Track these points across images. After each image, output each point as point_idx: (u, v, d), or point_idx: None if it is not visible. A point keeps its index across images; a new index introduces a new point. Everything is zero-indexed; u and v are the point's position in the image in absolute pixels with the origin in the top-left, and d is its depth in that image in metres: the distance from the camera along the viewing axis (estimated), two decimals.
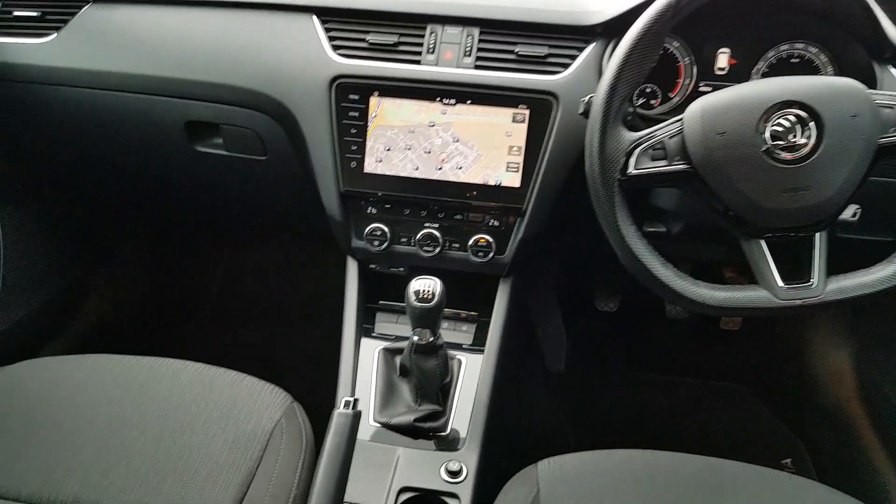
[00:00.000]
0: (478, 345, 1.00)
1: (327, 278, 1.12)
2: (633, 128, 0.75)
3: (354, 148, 0.97)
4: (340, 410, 0.75)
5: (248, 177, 1.14)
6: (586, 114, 0.77)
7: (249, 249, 1.54)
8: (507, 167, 0.95)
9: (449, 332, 1.02)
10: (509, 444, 0.93)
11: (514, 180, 0.95)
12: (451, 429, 0.91)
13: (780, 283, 0.71)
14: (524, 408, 1.26)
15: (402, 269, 1.05)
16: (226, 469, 0.80)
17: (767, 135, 0.69)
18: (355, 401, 0.76)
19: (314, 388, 0.96)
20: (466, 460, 0.85)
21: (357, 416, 0.76)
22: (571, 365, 1.46)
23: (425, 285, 0.83)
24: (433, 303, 0.83)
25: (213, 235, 1.53)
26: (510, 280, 1.02)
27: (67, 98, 1.09)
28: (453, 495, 0.82)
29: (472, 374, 0.96)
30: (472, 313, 1.04)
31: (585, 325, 1.49)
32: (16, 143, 1.21)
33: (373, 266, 1.06)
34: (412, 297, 0.83)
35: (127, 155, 1.19)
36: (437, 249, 0.99)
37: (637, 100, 0.94)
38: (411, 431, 0.89)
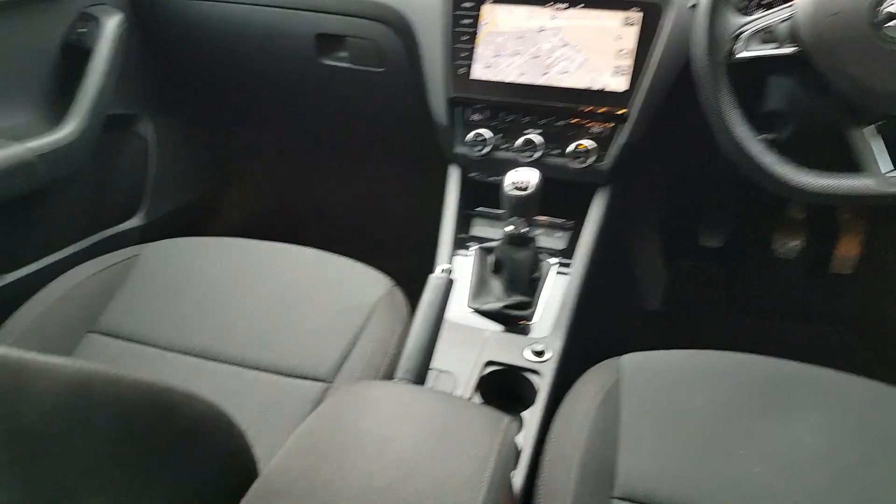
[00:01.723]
0: (570, 254, 1.03)
1: (430, 193, 1.18)
2: (744, 13, 0.74)
3: (464, 55, 1.02)
4: (436, 274, 0.80)
5: (366, 90, 1.22)
6: (696, 6, 0.78)
7: (362, 165, 1.63)
8: (614, 71, 0.96)
9: (543, 238, 1.05)
10: (593, 350, 0.95)
11: (619, 84, 0.96)
12: (537, 321, 0.94)
13: (885, 169, 0.68)
14: (612, 338, 1.27)
15: (500, 178, 1.10)
16: (331, 335, 0.88)
17: (882, 15, 0.67)
18: (450, 270, 0.81)
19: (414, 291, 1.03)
20: (550, 344, 0.89)
21: (450, 282, 0.82)
22: (668, 303, 1.44)
23: (522, 174, 0.87)
24: (528, 192, 0.86)
25: (332, 152, 1.63)
26: (608, 190, 1.03)
27: (217, 13, 1.21)
28: (535, 372, 0.86)
29: (561, 281, 0.99)
30: (568, 221, 1.06)
31: (686, 262, 1.46)
32: (170, 58, 1.35)
33: (473, 175, 1.10)
34: (509, 186, 0.87)
35: (262, 70, 1.29)
36: (537, 155, 1.02)
37: None
38: (500, 317, 0.94)
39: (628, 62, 0.95)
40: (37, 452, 0.37)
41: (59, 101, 1.13)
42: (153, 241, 1.04)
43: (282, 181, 1.71)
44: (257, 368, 0.84)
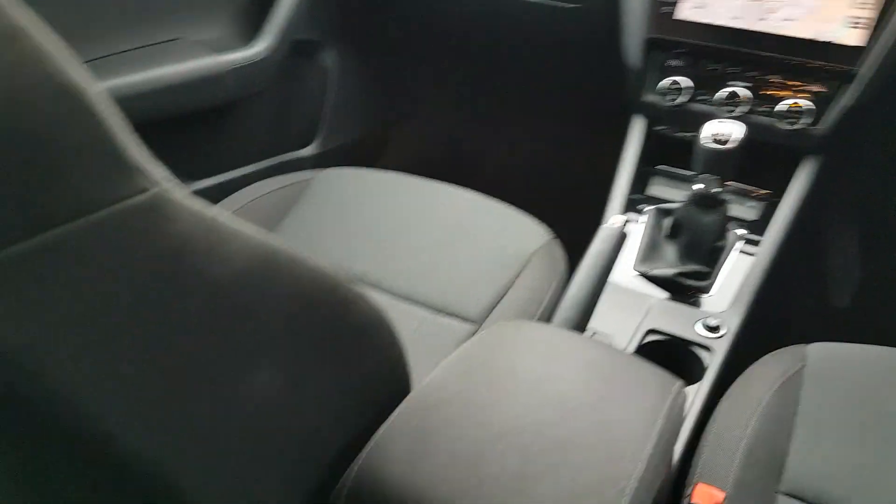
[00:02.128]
0: (761, 227, 0.91)
1: (605, 149, 1.11)
2: None
3: None
4: (608, 224, 0.74)
5: (555, 29, 1.16)
6: None
7: (536, 114, 1.58)
8: (849, 22, 0.82)
9: (733, 206, 0.94)
10: (765, 336, 0.85)
11: (853, 37, 0.82)
12: (712, 294, 0.85)
13: None
14: (789, 328, 1.13)
15: (690, 134, 1.00)
16: (485, 279, 0.85)
17: None
18: (625, 222, 0.74)
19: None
20: (727, 321, 0.80)
21: (623, 235, 0.75)
22: (860, 304, 1.27)
23: (724, 126, 0.77)
24: (728, 146, 0.76)
25: (507, 97, 1.59)
26: (818, 160, 0.90)
27: None
28: (705, 347, 0.78)
29: (745, 255, 0.89)
30: (764, 191, 0.95)
31: (888, 258, 1.27)
32: None
33: (659, 128, 1.01)
34: (706, 138, 0.78)
35: (450, 6, 1.26)
36: (741, 110, 0.91)
37: None
38: (669, 285, 0.86)
39: (869, 13, 0.81)
40: (225, 307, 0.36)
41: (253, 21, 1.17)
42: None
43: (453, 123, 1.70)
44: (409, 300, 0.84)
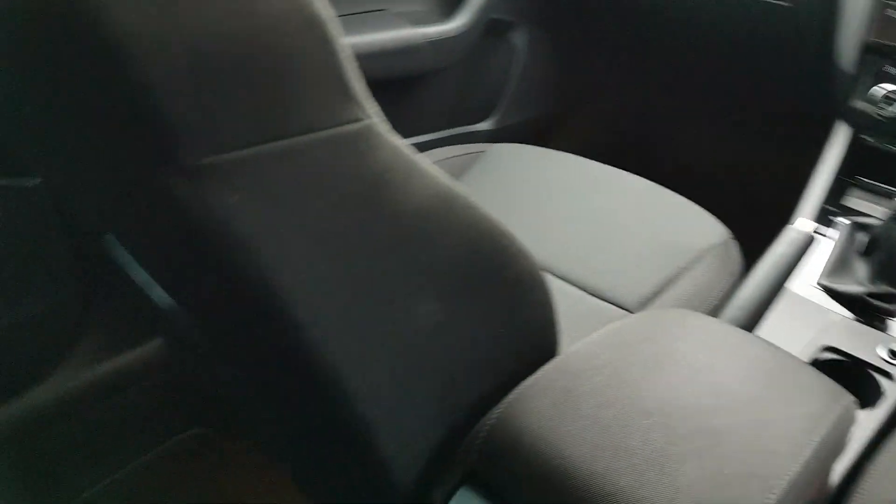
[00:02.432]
0: None
1: (799, 153, 1.03)
2: None
3: None
4: (796, 226, 0.70)
5: (766, 27, 1.09)
6: None
7: (726, 111, 1.50)
8: None
9: None
10: None
11: None
12: None
13: None
14: None
15: None
16: (649, 269, 0.83)
17: None
18: (815, 228, 0.70)
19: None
20: None
21: (810, 240, 0.70)
22: None
23: None
24: None
25: (697, 92, 1.53)
26: None
27: None
28: (887, 374, 0.71)
29: None
30: None
31: None
32: None
33: (866, 138, 0.93)
34: None
35: None
36: None
37: None
38: (857, 305, 0.79)
39: None
40: (405, 235, 0.40)
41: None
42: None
43: (634, 111, 1.66)
44: (566, 280, 0.84)
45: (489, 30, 1.26)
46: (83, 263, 0.95)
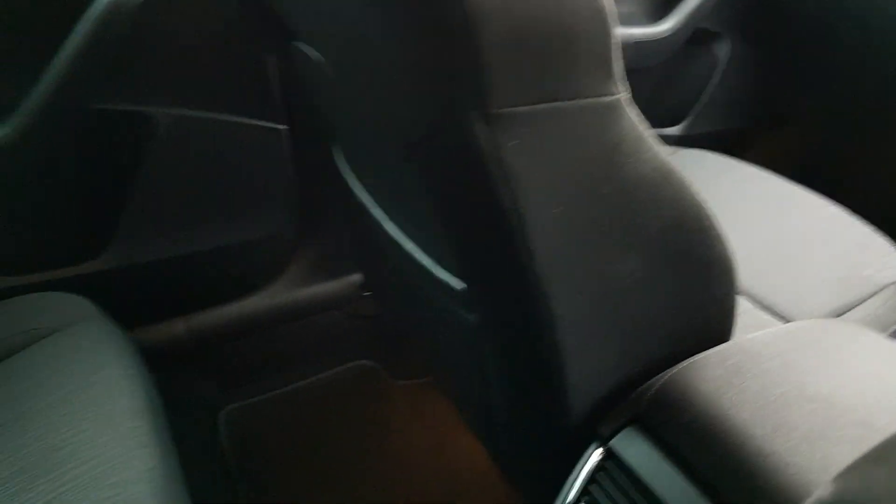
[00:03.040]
0: None
1: None
2: None
3: None
4: None
5: None
6: None
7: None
8: None
9: None
10: None
11: None
12: None
13: None
14: None
15: None
16: (824, 294, 0.83)
17: None
18: None
19: None
20: None
21: None
22: None
23: None
24: None
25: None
26: None
27: None
28: None
29: None
30: None
31: None
32: None
33: None
34: None
35: None
36: None
37: None
38: None
39: None
40: (626, 201, 0.48)
41: (663, 3, 1.27)
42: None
43: (829, 134, 1.60)
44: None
45: (693, 38, 1.29)
46: (305, 203, 1.12)
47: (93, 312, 0.84)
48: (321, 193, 1.13)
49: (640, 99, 1.37)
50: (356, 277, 1.21)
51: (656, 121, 1.41)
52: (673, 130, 1.43)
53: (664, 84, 1.36)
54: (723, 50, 1.37)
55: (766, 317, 0.82)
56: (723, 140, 1.51)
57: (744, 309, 0.83)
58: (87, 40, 0.82)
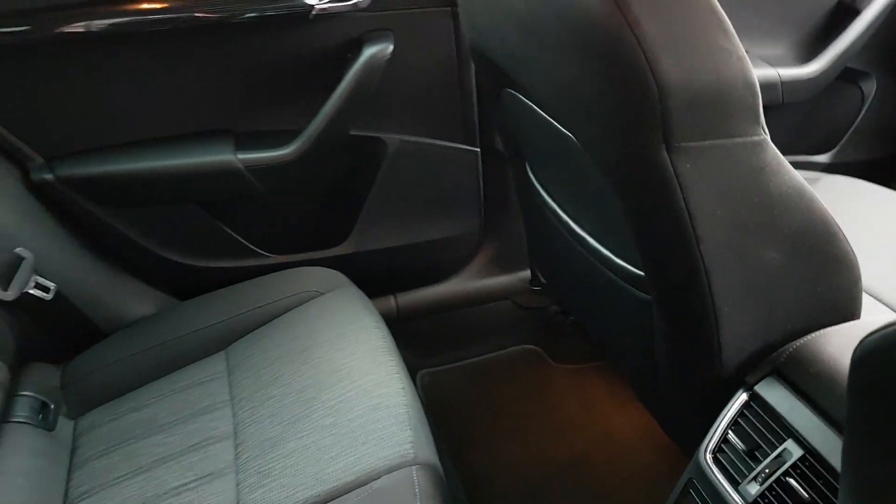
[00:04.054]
0: None
1: None
2: None
3: None
4: None
5: None
6: None
7: None
8: None
9: None
10: None
11: None
12: None
13: None
14: None
15: None
16: None
17: None
18: None
19: None
20: None
21: None
22: None
23: None
24: None
25: None
26: None
27: None
28: None
29: None
30: None
31: None
32: None
33: None
34: None
35: None
36: None
37: None
38: None
39: None
40: (769, 213, 0.68)
41: (813, 46, 1.42)
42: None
43: None
44: (878, 299, 0.98)
45: (842, 75, 1.42)
46: (488, 210, 1.38)
47: (346, 282, 1.15)
48: (502, 203, 1.39)
49: (790, 129, 1.53)
50: (526, 274, 1.45)
51: (807, 149, 1.55)
52: (822, 158, 1.56)
53: (813, 116, 1.50)
54: (869, 86, 1.49)
55: (891, 313, 0.95)
56: (870, 168, 1.61)
57: (871, 306, 0.95)
58: (350, 86, 1.12)
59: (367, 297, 1.12)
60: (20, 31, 0.96)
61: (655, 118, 0.62)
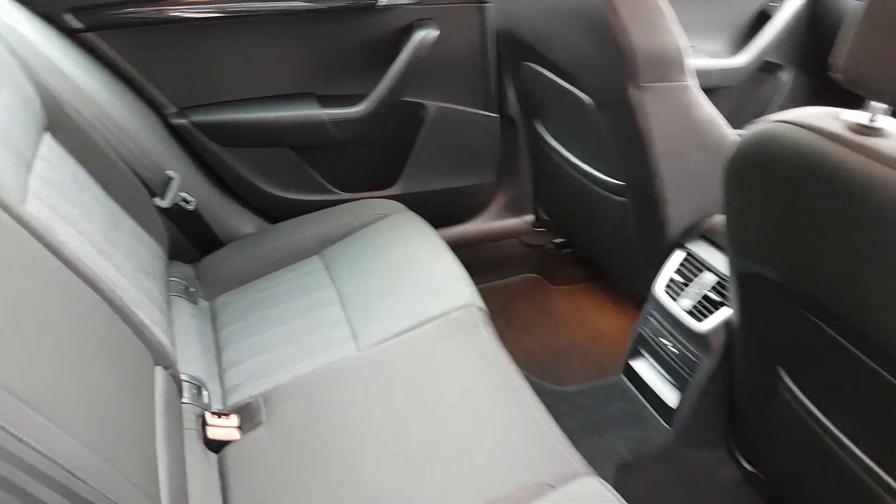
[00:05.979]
0: None
1: None
2: None
3: None
4: None
5: None
6: None
7: None
8: None
9: None
10: None
11: None
12: None
13: None
14: None
15: None
16: None
17: None
18: None
19: None
20: None
21: None
22: None
23: None
24: None
25: None
26: None
27: None
28: None
29: None
30: None
31: None
32: None
33: None
34: None
35: None
36: None
37: None
38: None
39: None
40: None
41: (739, 43, 1.89)
42: None
43: None
44: None
45: (763, 67, 1.90)
46: (502, 165, 1.81)
47: (403, 209, 1.56)
48: (512, 161, 1.82)
49: (726, 108, 1.99)
50: (530, 218, 1.88)
51: (739, 127, 2.01)
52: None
53: (742, 100, 1.97)
54: (786, 77, 1.97)
55: None
56: None
57: None
58: (404, 62, 1.54)
59: (421, 218, 1.53)
60: (163, 13, 1.36)
61: (629, 69, 1.06)
